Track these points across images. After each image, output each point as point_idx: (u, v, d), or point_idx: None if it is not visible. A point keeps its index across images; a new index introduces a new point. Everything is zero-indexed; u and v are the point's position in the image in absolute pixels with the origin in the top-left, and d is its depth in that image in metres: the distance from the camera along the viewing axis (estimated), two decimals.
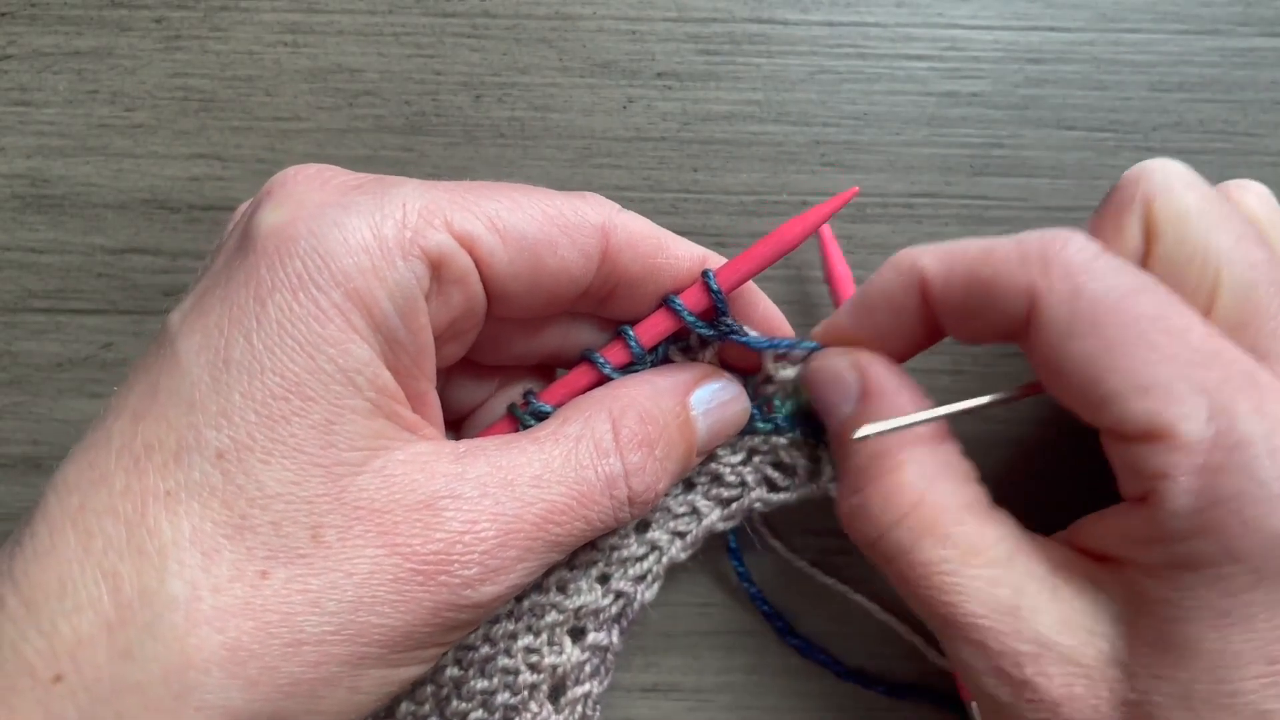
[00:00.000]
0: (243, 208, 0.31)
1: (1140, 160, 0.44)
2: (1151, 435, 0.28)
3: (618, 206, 0.33)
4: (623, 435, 0.31)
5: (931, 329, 0.34)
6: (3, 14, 0.44)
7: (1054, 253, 0.29)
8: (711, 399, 0.35)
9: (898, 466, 0.33)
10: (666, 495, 0.37)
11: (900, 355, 0.35)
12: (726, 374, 0.36)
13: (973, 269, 0.31)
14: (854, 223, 0.43)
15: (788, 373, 0.37)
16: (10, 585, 0.25)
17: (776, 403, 0.38)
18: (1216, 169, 0.43)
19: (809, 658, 0.42)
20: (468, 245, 0.29)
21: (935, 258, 0.32)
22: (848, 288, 0.40)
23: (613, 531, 0.35)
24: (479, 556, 0.28)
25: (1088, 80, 0.43)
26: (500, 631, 0.34)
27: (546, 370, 0.38)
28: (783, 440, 0.38)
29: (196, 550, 0.25)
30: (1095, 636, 0.30)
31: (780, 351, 0.36)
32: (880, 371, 0.34)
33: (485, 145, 0.44)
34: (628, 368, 0.35)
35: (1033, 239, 0.30)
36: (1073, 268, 0.29)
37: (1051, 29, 0.44)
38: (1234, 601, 0.27)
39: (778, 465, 0.38)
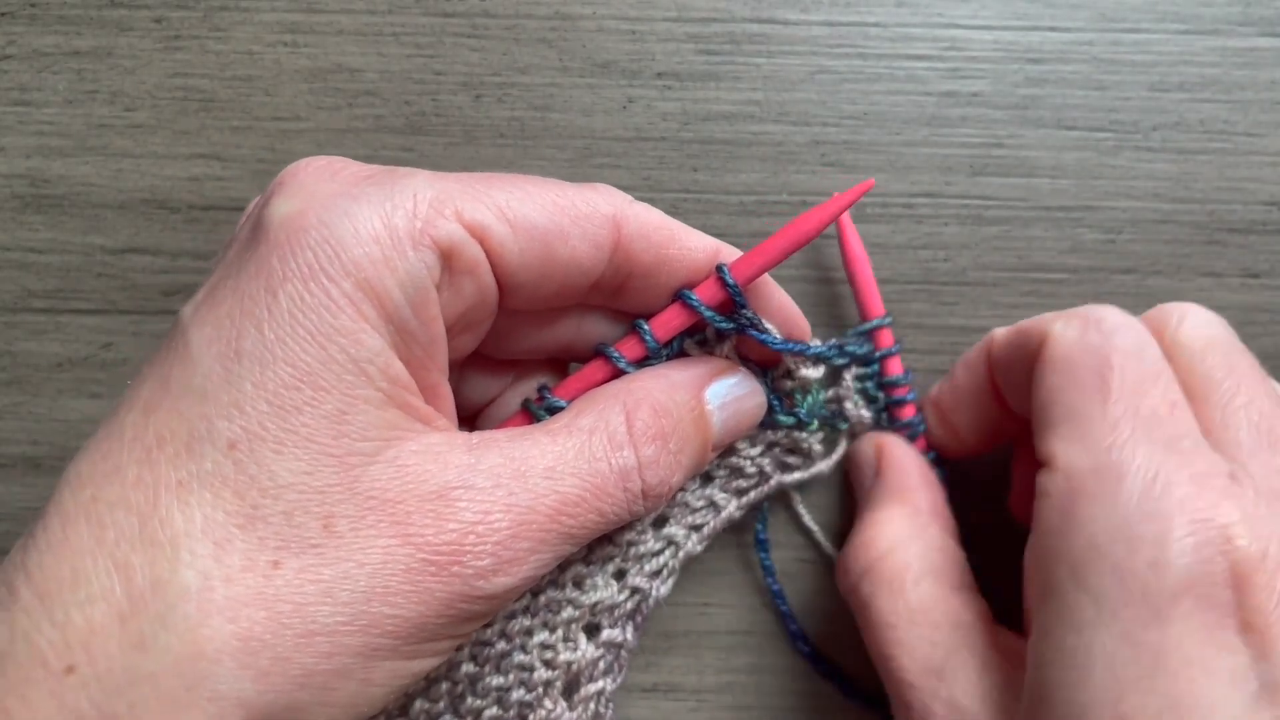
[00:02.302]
0: (255, 201, 0.31)
1: (1141, 160, 0.44)
2: (1044, 460, 0.31)
3: (629, 198, 0.32)
4: (636, 428, 0.31)
5: (1005, 408, 0.37)
6: (2, 14, 0.44)
7: (1088, 311, 0.33)
8: (728, 393, 0.35)
9: (880, 522, 0.36)
10: (685, 491, 0.37)
11: (984, 438, 0.39)
12: (744, 369, 0.36)
13: (1020, 326, 0.34)
14: (854, 223, 0.43)
15: (808, 370, 0.37)
16: (23, 577, 0.25)
17: (798, 397, 0.38)
18: (1216, 169, 0.43)
19: (815, 668, 0.42)
20: (478, 235, 0.29)
21: (1004, 329, 0.36)
22: (864, 270, 0.40)
23: (629, 527, 0.35)
24: (492, 547, 0.28)
25: (1088, 80, 0.44)
26: (516, 627, 0.34)
27: (560, 364, 0.38)
28: (803, 434, 0.38)
29: (208, 540, 0.25)
30: (1010, 713, 0.31)
31: (795, 354, 0.36)
32: (894, 449, 0.39)
33: (485, 145, 0.44)
34: (643, 362, 0.34)
35: (1082, 309, 0.33)
36: (1092, 321, 0.32)
37: (1051, 29, 0.44)
38: (1079, 640, 0.28)
39: (793, 450, 0.39)
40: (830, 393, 0.39)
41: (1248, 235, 0.43)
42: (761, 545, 0.41)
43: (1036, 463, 0.32)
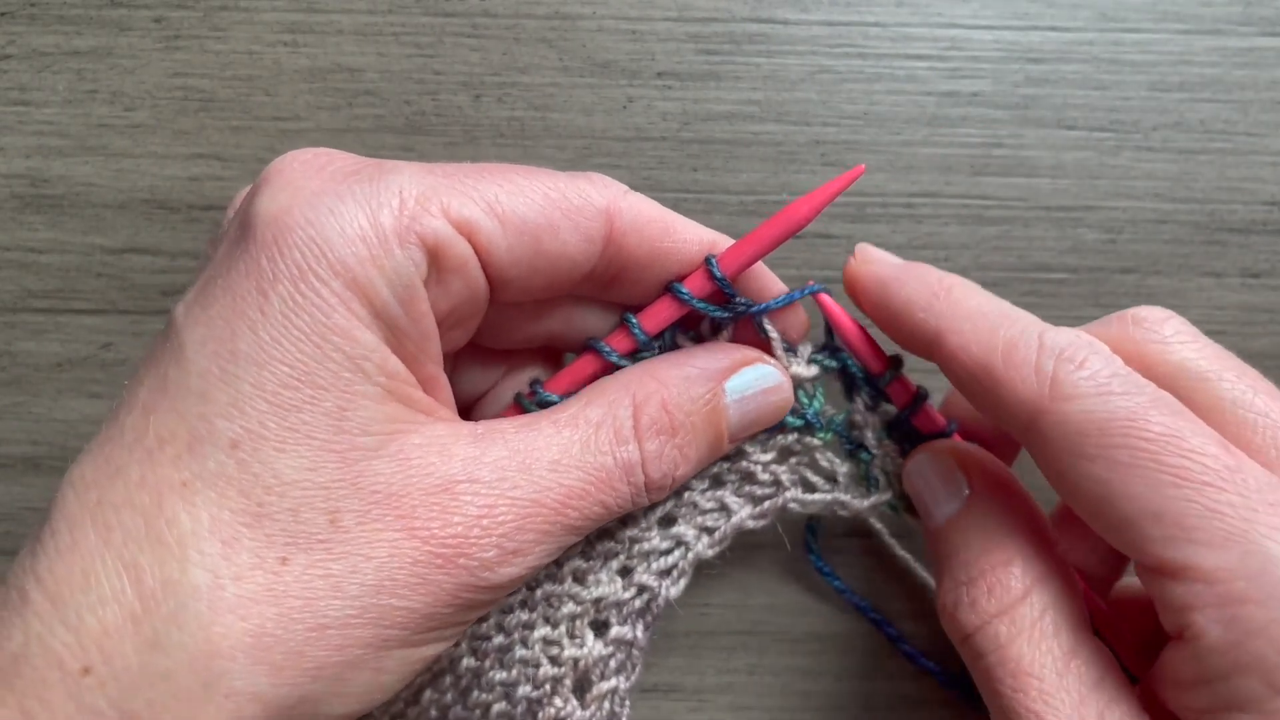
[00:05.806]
0: (242, 193, 0.31)
1: (1141, 160, 0.44)
2: (1170, 569, 0.27)
3: (625, 188, 0.32)
4: (643, 422, 0.31)
5: None
6: (2, 14, 0.44)
7: (1066, 374, 0.29)
8: (749, 386, 0.34)
9: (1007, 561, 0.32)
10: (693, 491, 0.36)
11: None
12: (771, 360, 0.35)
13: (989, 362, 0.30)
14: (854, 222, 0.43)
15: (801, 369, 0.36)
16: (34, 581, 0.25)
17: (804, 400, 0.37)
18: (1216, 169, 0.43)
19: (913, 661, 0.42)
20: (466, 232, 0.29)
21: (959, 326, 0.32)
22: (859, 339, 0.37)
23: (633, 524, 0.35)
24: (496, 540, 0.28)
25: (1088, 80, 0.44)
26: (514, 621, 0.34)
27: (554, 353, 0.37)
28: (816, 441, 0.37)
29: (216, 539, 0.26)
30: None
31: (787, 349, 0.35)
32: (986, 461, 0.35)
33: (485, 145, 0.44)
34: (634, 355, 0.34)
35: (1053, 348, 0.30)
36: (1081, 389, 0.29)
37: (1051, 29, 0.44)
38: None
39: (815, 468, 0.38)
40: (844, 415, 0.37)
41: (1248, 235, 0.43)
42: (811, 549, 0.41)
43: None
